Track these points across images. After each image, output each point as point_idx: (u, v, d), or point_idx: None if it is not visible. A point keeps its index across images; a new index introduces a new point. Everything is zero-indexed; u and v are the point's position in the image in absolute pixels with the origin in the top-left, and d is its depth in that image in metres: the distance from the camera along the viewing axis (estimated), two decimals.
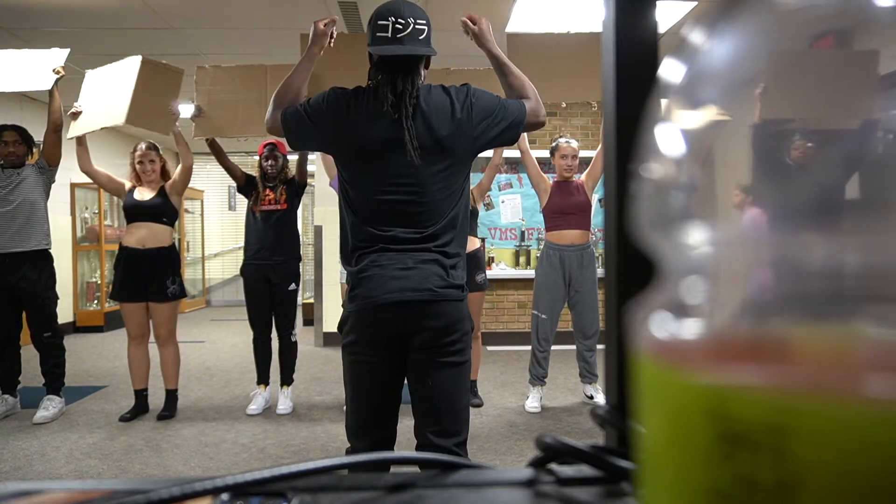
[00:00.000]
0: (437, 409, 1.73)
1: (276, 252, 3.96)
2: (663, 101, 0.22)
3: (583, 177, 4.05)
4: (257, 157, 4.13)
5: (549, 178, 4.06)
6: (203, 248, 10.10)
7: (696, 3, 4.13)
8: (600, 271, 3.96)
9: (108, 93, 3.53)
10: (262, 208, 4.01)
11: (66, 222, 7.16)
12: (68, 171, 7.16)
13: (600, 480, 0.40)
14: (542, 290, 3.94)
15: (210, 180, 10.47)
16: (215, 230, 10.27)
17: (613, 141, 0.45)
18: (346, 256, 1.82)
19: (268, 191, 4.03)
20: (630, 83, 0.44)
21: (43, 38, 4.73)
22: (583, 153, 6.23)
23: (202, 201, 10.04)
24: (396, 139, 1.69)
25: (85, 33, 4.67)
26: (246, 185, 4.10)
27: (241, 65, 3.68)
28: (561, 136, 4.18)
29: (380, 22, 1.70)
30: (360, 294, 1.70)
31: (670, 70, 0.21)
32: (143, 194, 3.88)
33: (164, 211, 3.88)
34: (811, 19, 0.18)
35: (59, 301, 3.99)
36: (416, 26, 1.70)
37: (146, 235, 3.79)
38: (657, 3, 0.44)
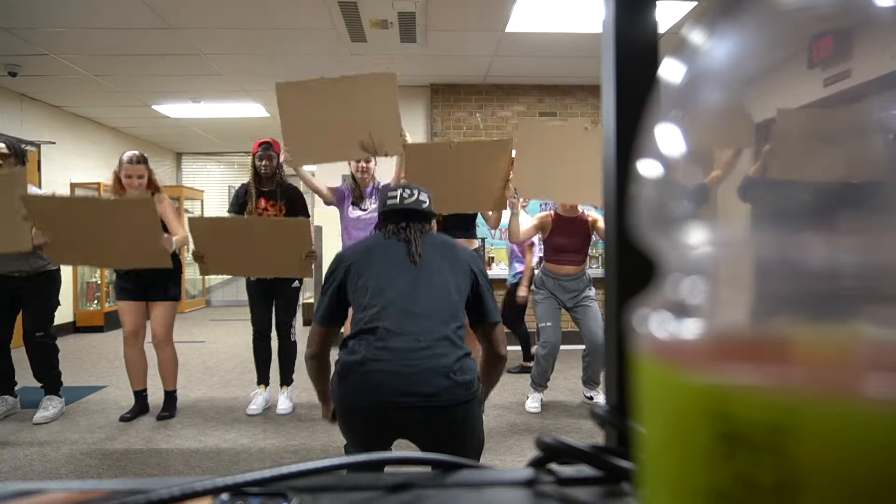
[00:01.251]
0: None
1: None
2: (663, 101, 0.22)
3: (592, 217, 3.92)
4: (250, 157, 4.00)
5: (550, 208, 4.04)
6: None
7: (696, 2, 4.13)
8: (593, 292, 3.99)
9: None
10: None
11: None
12: (68, 171, 7.19)
13: (600, 480, 0.40)
14: (541, 304, 3.97)
15: (210, 180, 10.47)
16: None
17: (613, 141, 0.44)
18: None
19: (263, 200, 3.91)
20: (630, 83, 0.44)
21: (43, 38, 4.73)
22: None
23: (202, 201, 10.04)
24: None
25: (85, 33, 4.67)
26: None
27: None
28: None
29: (391, 193, 2.10)
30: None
31: (670, 70, 0.21)
32: None
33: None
34: (811, 19, 0.18)
35: (59, 306, 3.96)
36: (420, 197, 2.09)
37: None
38: (657, 3, 0.44)
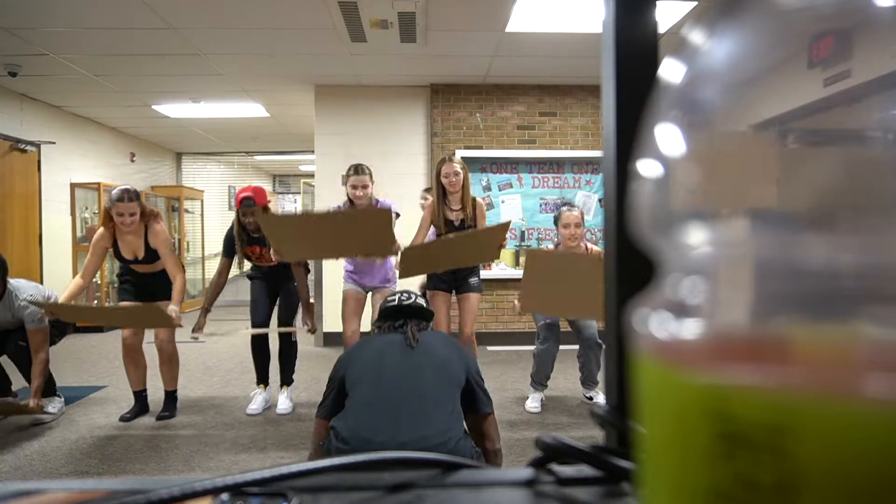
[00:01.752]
0: None
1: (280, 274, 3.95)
2: (663, 101, 0.22)
3: (594, 250, 3.92)
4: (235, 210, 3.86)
5: (550, 245, 4.08)
6: (203, 248, 10.10)
7: (696, 2, 4.13)
8: None
9: None
10: (257, 264, 3.93)
11: (66, 222, 7.16)
12: (68, 171, 7.19)
13: (600, 480, 0.40)
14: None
15: (210, 180, 10.47)
16: (215, 230, 10.26)
17: (613, 141, 0.44)
18: None
19: (257, 248, 3.85)
20: (630, 83, 0.44)
21: (43, 37, 4.73)
22: (583, 152, 6.30)
23: (202, 201, 10.04)
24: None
25: (85, 33, 4.67)
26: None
27: None
28: (563, 203, 4.04)
29: (390, 297, 2.30)
30: None
31: (670, 70, 0.21)
32: (131, 250, 3.72)
33: (156, 256, 3.75)
34: (811, 19, 0.18)
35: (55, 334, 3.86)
36: (417, 301, 2.26)
37: (150, 268, 3.81)
38: (657, 3, 0.44)
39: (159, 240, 3.67)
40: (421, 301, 2.26)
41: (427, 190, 5.07)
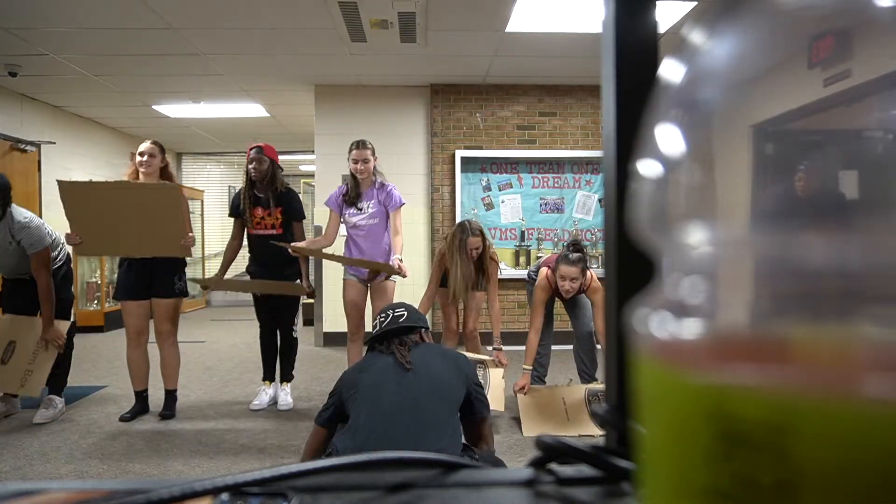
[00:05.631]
0: None
1: (277, 261, 3.94)
2: (663, 101, 0.22)
3: (588, 293, 3.86)
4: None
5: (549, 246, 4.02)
6: (203, 248, 10.10)
7: (696, 2, 4.13)
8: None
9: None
10: (254, 231, 3.94)
11: (66, 222, 7.15)
12: (68, 172, 7.18)
13: (600, 480, 0.40)
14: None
15: (210, 180, 10.47)
16: (215, 230, 10.26)
17: (613, 141, 0.44)
18: None
19: (259, 210, 3.90)
20: (630, 83, 0.44)
21: (43, 37, 4.73)
22: (583, 152, 6.30)
23: (202, 201, 10.04)
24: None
25: (85, 33, 4.67)
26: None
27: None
28: (569, 246, 3.85)
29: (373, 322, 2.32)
30: None
31: (670, 70, 0.21)
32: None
33: None
34: (811, 19, 0.18)
35: (73, 301, 3.97)
36: (395, 314, 2.28)
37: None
38: (657, 3, 0.44)
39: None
40: (399, 312, 2.27)
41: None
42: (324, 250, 3.95)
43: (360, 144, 3.84)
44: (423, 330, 2.29)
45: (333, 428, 2.10)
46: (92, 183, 3.82)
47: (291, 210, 3.92)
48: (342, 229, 3.96)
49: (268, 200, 3.87)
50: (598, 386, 3.88)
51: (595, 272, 3.90)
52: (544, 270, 3.86)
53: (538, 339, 3.86)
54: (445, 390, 2.01)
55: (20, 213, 3.67)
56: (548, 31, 4.77)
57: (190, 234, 3.57)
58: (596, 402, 3.69)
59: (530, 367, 3.86)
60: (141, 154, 3.72)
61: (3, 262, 3.68)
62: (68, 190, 3.40)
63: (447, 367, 2.08)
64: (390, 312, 2.29)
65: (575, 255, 3.67)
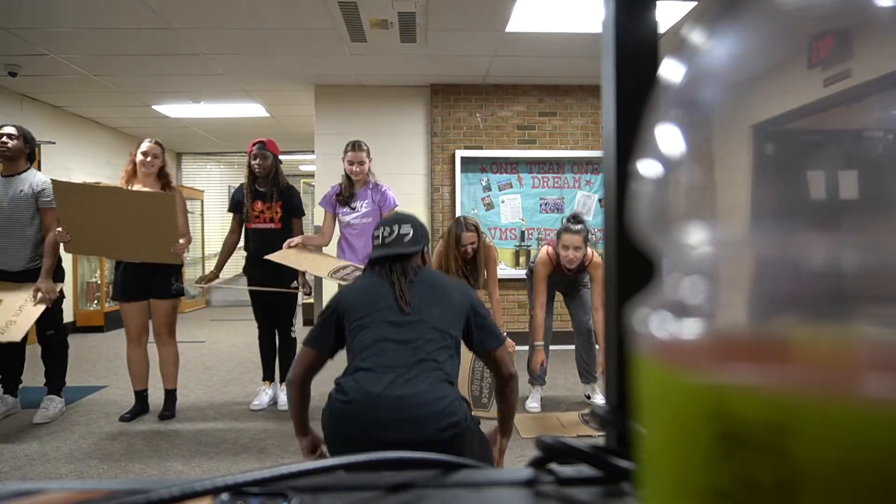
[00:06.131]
0: None
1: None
2: (663, 101, 0.22)
3: (593, 262, 3.83)
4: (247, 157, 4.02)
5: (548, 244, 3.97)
6: (203, 248, 10.09)
7: (696, 2, 4.13)
8: (587, 278, 3.99)
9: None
10: (253, 226, 3.94)
11: None
12: (68, 172, 7.18)
13: (600, 480, 0.40)
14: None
15: (210, 180, 10.46)
16: (215, 230, 10.25)
17: (613, 141, 0.44)
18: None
19: (259, 203, 3.91)
20: (630, 83, 0.44)
21: (43, 37, 4.73)
22: (583, 152, 6.30)
23: (202, 201, 10.04)
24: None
25: (85, 33, 4.67)
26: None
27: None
28: (570, 217, 3.78)
29: (374, 232, 2.11)
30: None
31: (670, 70, 0.21)
32: None
33: None
34: (811, 19, 0.18)
35: (64, 299, 3.99)
36: (401, 231, 2.06)
37: None
38: (657, 3, 0.44)
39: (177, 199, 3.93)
40: (406, 229, 2.04)
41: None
42: (323, 250, 3.96)
43: (356, 146, 3.84)
44: (424, 249, 2.12)
45: (324, 352, 2.00)
46: (86, 185, 3.85)
47: (291, 206, 3.96)
48: (337, 230, 3.98)
49: (270, 195, 3.91)
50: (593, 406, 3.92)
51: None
52: (545, 248, 3.87)
53: (544, 314, 3.86)
54: (444, 332, 1.91)
55: (41, 175, 3.84)
56: (548, 31, 4.77)
57: (181, 241, 3.58)
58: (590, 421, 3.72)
59: (541, 343, 3.85)
60: (144, 154, 3.73)
61: (11, 243, 3.69)
62: (62, 190, 3.46)
63: (444, 312, 1.95)
64: (395, 228, 2.05)
65: (578, 226, 3.67)
